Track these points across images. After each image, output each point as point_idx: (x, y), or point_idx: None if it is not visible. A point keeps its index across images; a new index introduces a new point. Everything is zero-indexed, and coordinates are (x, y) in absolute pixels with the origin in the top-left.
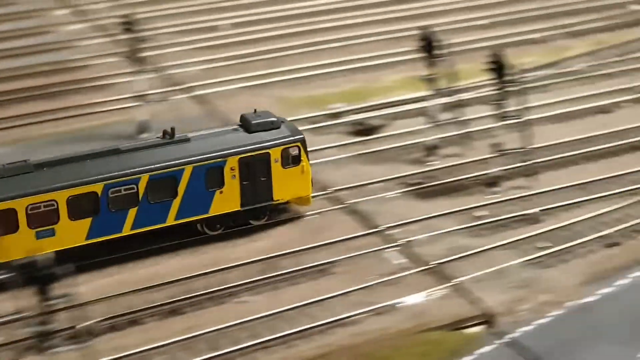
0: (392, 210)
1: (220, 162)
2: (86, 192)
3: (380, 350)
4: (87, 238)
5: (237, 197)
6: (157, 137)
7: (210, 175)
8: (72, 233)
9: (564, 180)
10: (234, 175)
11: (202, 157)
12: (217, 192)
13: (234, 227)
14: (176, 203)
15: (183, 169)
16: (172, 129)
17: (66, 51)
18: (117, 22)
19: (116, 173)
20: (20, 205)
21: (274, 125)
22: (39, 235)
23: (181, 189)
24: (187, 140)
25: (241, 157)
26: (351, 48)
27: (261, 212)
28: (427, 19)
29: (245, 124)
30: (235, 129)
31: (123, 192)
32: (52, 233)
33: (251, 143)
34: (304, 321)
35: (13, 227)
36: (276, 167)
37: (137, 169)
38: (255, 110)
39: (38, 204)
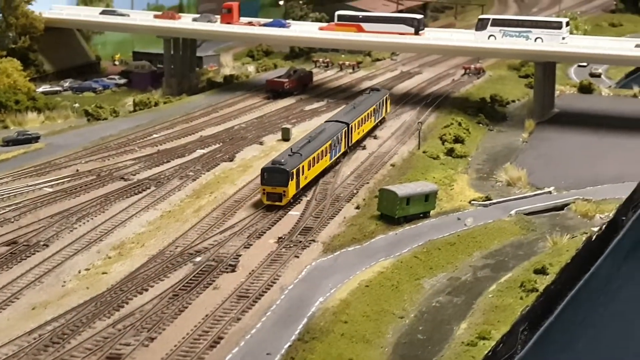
0: None
1: (384, 99)
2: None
3: None
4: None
5: (384, 113)
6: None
7: (381, 104)
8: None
9: None
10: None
11: (383, 97)
12: (384, 111)
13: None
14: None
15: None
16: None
17: None
18: None
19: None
20: None
21: (380, 90)
22: None
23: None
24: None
25: (385, 98)
26: None
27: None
28: None
29: (376, 89)
30: (374, 92)
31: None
32: None
33: (385, 93)
34: None
35: None
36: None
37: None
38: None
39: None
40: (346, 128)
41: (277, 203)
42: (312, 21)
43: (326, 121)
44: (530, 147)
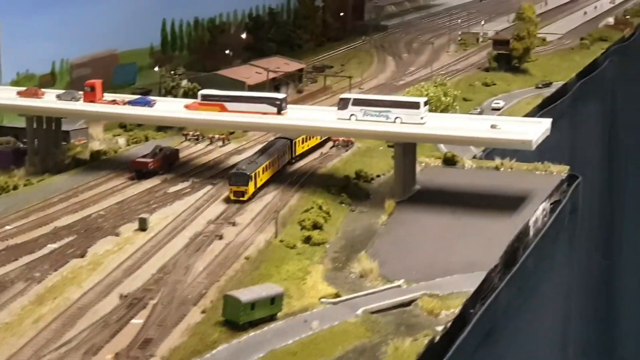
0: None
1: None
2: None
3: None
4: None
5: None
6: None
7: None
8: None
9: None
10: None
11: None
12: None
13: None
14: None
15: None
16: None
17: None
18: None
19: None
20: None
21: None
22: None
23: None
24: None
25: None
26: None
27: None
28: None
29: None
30: None
31: None
32: None
33: None
34: None
35: None
36: None
37: None
38: None
39: None
40: (290, 143)
41: (240, 199)
42: (185, 91)
43: (275, 137)
44: (387, 230)
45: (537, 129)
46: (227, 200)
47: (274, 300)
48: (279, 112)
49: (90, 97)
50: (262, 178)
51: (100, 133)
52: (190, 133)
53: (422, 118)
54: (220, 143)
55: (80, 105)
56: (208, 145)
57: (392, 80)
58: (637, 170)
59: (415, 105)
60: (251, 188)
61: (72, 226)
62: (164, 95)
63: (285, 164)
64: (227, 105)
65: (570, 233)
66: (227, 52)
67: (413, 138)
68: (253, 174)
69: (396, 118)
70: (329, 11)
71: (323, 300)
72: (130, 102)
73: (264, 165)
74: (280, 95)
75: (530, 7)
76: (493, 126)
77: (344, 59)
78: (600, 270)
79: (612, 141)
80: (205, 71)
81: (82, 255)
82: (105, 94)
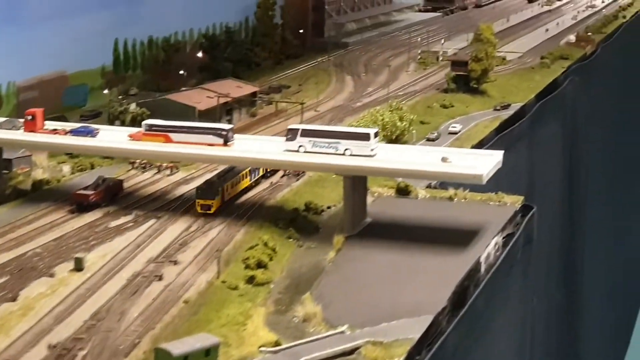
0: None
1: None
2: None
3: None
4: None
5: None
6: None
7: None
8: None
9: None
10: None
11: None
12: None
13: None
14: None
15: None
16: None
17: None
18: None
19: None
20: None
21: None
22: None
23: None
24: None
25: None
26: None
27: None
28: None
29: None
30: None
31: None
32: None
33: None
34: None
35: None
36: None
37: None
38: None
39: None
40: None
41: (207, 212)
42: (133, 116)
43: None
44: (334, 269)
45: (488, 163)
46: (195, 213)
47: (209, 352)
48: (225, 144)
49: (31, 127)
50: (231, 192)
51: (44, 160)
52: (137, 161)
53: (372, 150)
54: (168, 172)
55: (20, 135)
56: (155, 174)
57: (349, 101)
58: (597, 189)
59: (365, 137)
60: (217, 202)
61: (5, 265)
62: (112, 121)
63: (259, 177)
64: (172, 135)
65: (525, 264)
66: (181, 72)
67: (362, 171)
68: (220, 188)
69: (346, 150)
70: (288, 28)
71: (262, 349)
72: (72, 132)
73: (233, 180)
74: (227, 126)
75: (489, 27)
76: (444, 159)
77: (302, 78)
78: (558, 297)
79: (572, 161)
80: (160, 91)
81: (14, 299)
82: (47, 122)
